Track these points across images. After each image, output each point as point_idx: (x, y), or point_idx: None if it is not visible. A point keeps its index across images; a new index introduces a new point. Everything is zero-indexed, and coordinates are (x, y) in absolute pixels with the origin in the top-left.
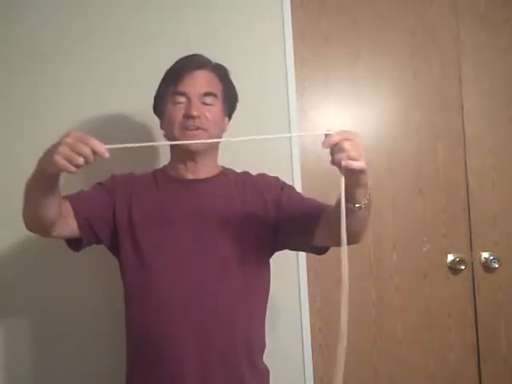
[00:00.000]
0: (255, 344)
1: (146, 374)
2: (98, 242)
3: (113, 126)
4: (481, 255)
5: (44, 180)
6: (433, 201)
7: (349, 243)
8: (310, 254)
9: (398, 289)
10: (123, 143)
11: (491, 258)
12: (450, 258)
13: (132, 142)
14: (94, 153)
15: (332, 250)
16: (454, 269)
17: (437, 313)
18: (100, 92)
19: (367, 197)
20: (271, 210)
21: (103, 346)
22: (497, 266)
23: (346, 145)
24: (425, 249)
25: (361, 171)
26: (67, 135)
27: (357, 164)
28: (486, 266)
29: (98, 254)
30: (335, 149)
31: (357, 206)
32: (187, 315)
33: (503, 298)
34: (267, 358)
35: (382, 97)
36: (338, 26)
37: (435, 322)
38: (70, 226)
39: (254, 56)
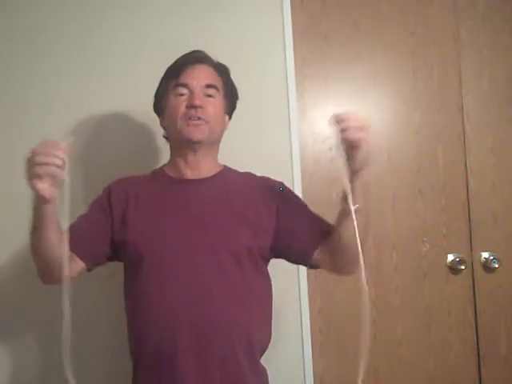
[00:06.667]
0: (256, 345)
1: (147, 376)
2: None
3: (112, 126)
4: (481, 255)
5: (39, 215)
6: (433, 201)
7: (348, 269)
8: None
9: (398, 289)
10: (122, 143)
11: (491, 257)
12: (450, 257)
13: (131, 142)
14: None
15: None
16: (454, 269)
17: (437, 313)
18: (98, 91)
19: (365, 202)
20: (272, 216)
21: (108, 344)
22: (497, 266)
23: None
24: (425, 249)
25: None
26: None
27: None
28: (486, 266)
29: None
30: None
31: (356, 206)
32: (187, 317)
33: (503, 298)
34: (267, 358)
35: (382, 97)
36: (338, 26)
37: (435, 321)
38: (79, 266)
39: (254, 56)
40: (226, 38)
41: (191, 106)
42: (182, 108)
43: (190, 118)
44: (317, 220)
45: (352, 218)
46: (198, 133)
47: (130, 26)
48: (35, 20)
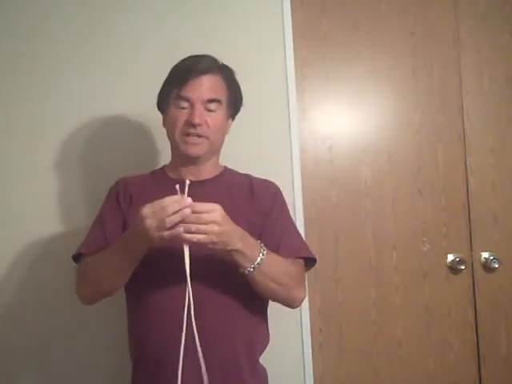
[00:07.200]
0: (256, 345)
1: (147, 378)
2: None
3: (112, 126)
4: (481, 255)
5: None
6: (433, 201)
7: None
8: None
9: (398, 289)
10: (122, 143)
11: (491, 257)
12: (450, 257)
13: (131, 142)
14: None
15: (330, 251)
16: (454, 269)
17: (437, 313)
18: (98, 92)
19: (257, 261)
20: (261, 220)
21: (109, 345)
22: (497, 266)
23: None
24: (425, 249)
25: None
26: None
27: (199, 237)
28: (486, 266)
29: None
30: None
31: (247, 270)
32: (188, 319)
33: (503, 298)
34: (267, 358)
35: (382, 97)
36: (338, 26)
37: (435, 321)
38: None
39: (254, 56)
40: (226, 38)
41: (190, 124)
42: (181, 123)
43: (188, 135)
44: (288, 245)
45: (252, 279)
46: (196, 149)
47: (130, 26)
48: (35, 20)
